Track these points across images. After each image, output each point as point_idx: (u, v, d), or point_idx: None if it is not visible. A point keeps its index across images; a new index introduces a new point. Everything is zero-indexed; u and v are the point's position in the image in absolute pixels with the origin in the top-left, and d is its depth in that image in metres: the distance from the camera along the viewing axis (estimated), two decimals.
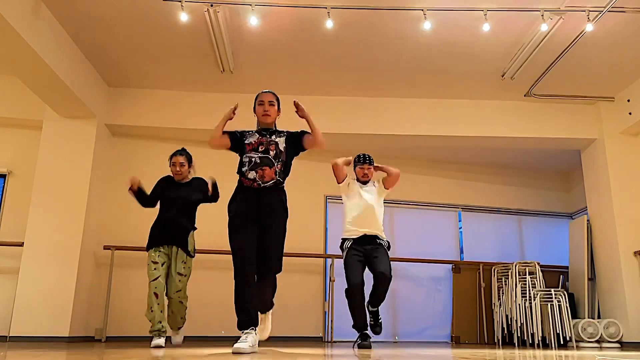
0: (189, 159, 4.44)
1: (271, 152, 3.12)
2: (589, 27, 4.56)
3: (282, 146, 3.15)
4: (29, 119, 5.75)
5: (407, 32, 4.82)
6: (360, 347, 4.10)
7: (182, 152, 4.43)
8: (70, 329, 5.08)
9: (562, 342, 5.54)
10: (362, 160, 4.47)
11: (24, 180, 5.76)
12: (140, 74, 5.70)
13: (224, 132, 3.25)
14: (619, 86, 5.82)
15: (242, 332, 2.94)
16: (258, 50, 5.18)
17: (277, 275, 3.23)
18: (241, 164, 3.16)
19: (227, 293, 4.64)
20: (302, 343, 5.37)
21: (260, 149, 3.12)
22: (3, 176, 5.84)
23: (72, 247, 5.28)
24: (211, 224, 5.26)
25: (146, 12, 4.58)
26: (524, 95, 5.99)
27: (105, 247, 5.65)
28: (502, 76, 5.58)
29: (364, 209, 4.32)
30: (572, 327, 5.56)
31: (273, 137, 3.17)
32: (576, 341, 5.61)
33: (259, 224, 3.11)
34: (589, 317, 5.79)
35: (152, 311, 4.07)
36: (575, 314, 5.93)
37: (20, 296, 5.08)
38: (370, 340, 4.18)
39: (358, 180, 4.50)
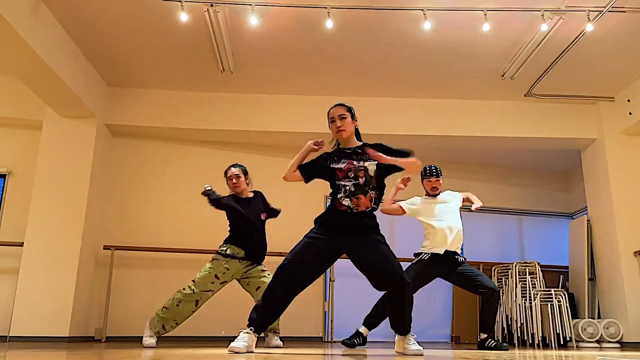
0: (244, 171, 4.40)
1: (360, 180, 2.93)
2: (589, 27, 4.55)
3: (372, 171, 2.94)
4: (29, 119, 5.75)
5: (407, 32, 4.82)
6: (344, 344, 4.21)
7: (236, 165, 4.41)
8: (70, 329, 5.08)
9: (562, 342, 5.54)
10: (429, 173, 4.45)
11: (24, 180, 5.75)
12: (140, 74, 5.69)
13: (299, 169, 3.07)
14: (619, 86, 5.81)
15: (241, 330, 2.96)
16: (258, 50, 5.17)
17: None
18: (335, 191, 2.99)
19: (227, 293, 4.64)
20: (302, 343, 5.37)
21: (350, 175, 2.93)
22: (3, 176, 5.84)
23: (72, 247, 5.28)
24: (211, 225, 5.25)
25: (146, 12, 4.58)
26: (524, 95, 5.99)
27: (105, 247, 5.65)
28: (502, 76, 5.58)
29: (446, 227, 4.37)
30: (572, 327, 5.56)
31: (362, 161, 2.97)
32: (576, 341, 5.61)
33: (348, 247, 3.00)
34: (589, 317, 5.79)
35: (177, 306, 4.01)
36: (575, 314, 5.93)
37: (20, 296, 5.08)
38: (354, 339, 4.23)
39: (427, 194, 4.51)
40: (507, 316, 6.03)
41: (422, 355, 2.95)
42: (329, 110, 3.09)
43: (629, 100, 5.80)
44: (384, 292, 3.74)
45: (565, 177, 7.82)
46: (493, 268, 6.42)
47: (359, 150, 3.05)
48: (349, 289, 5.09)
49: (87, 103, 5.35)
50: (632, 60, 5.26)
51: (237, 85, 5.90)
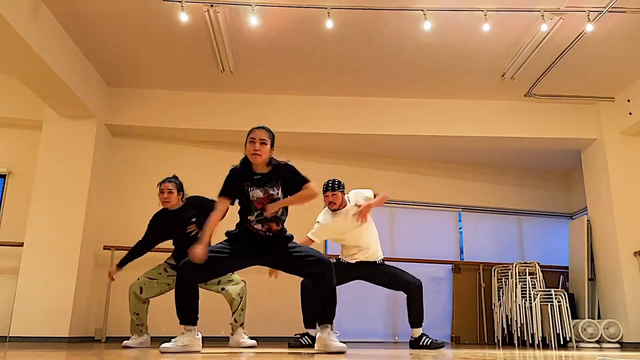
0: (179, 186, 4.10)
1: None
2: (589, 28, 4.55)
3: (281, 197, 3.04)
4: (29, 119, 5.75)
5: (407, 32, 4.82)
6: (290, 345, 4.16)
7: (172, 179, 4.11)
8: (70, 329, 5.08)
9: (562, 343, 5.54)
10: (325, 188, 4.19)
11: (24, 180, 5.75)
12: (140, 74, 5.69)
13: (221, 196, 3.06)
14: (619, 86, 5.81)
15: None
16: (258, 50, 5.18)
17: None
18: (247, 211, 3.03)
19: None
20: None
21: (265, 205, 3.00)
22: (3, 176, 5.84)
23: (72, 247, 5.28)
24: None
25: (146, 12, 4.58)
26: (524, 95, 5.99)
27: (105, 247, 5.65)
28: (502, 76, 5.58)
29: (353, 245, 4.28)
30: (572, 327, 5.56)
31: (273, 190, 3.00)
32: (576, 341, 5.61)
33: (261, 262, 3.11)
34: (589, 318, 5.79)
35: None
36: (575, 314, 5.93)
37: (20, 296, 5.08)
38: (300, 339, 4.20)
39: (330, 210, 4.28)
40: (507, 316, 6.03)
41: (344, 352, 2.88)
42: (251, 130, 3.02)
43: (629, 101, 5.80)
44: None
45: (565, 177, 7.82)
46: (493, 268, 6.42)
47: (270, 174, 3.03)
48: (347, 290, 5.07)
49: (87, 103, 5.35)
50: (632, 60, 5.26)
51: (237, 85, 5.90)
